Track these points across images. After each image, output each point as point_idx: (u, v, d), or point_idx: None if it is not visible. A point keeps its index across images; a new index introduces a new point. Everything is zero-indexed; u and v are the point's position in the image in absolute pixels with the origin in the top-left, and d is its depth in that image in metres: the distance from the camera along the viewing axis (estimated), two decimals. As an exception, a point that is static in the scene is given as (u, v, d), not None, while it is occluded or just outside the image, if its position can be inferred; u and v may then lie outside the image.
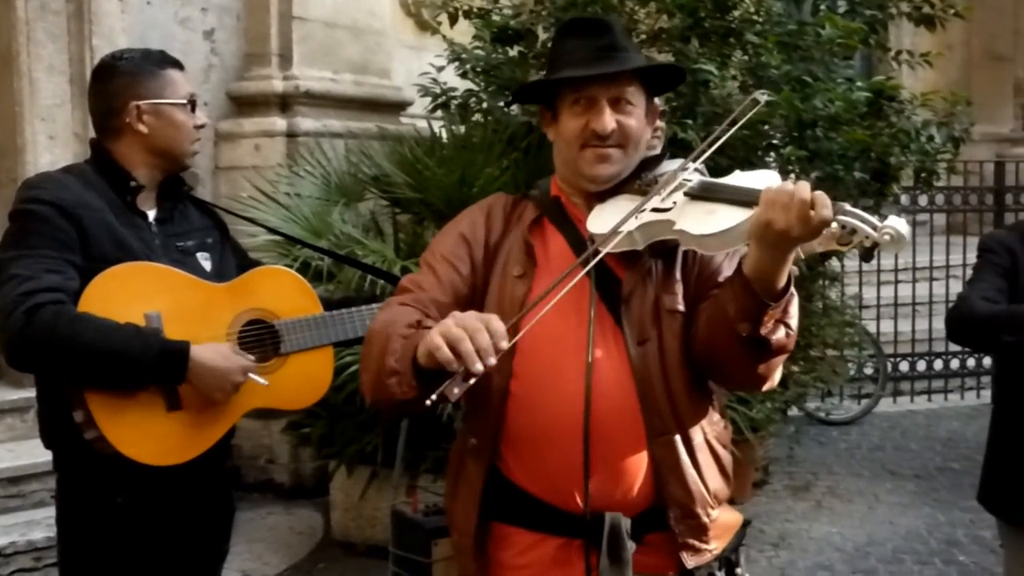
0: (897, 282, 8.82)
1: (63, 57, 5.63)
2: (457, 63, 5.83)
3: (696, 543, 2.18)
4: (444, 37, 5.92)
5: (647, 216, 2.15)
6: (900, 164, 5.56)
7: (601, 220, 2.22)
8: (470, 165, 5.13)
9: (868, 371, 8.33)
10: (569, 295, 2.07)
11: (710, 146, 2.21)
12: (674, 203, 2.16)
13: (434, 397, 1.84)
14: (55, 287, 2.44)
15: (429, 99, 5.91)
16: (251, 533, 5.49)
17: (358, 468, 4.97)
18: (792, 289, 2.04)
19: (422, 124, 6.05)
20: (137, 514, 2.61)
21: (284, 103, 6.48)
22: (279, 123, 6.41)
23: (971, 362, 8.84)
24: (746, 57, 5.65)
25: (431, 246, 2.33)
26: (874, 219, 1.92)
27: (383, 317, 2.13)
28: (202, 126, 2.76)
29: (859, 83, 5.56)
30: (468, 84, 5.91)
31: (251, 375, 2.62)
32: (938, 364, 8.89)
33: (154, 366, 2.47)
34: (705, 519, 2.18)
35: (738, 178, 2.21)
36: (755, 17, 5.59)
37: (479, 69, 5.82)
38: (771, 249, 1.97)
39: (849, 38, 5.60)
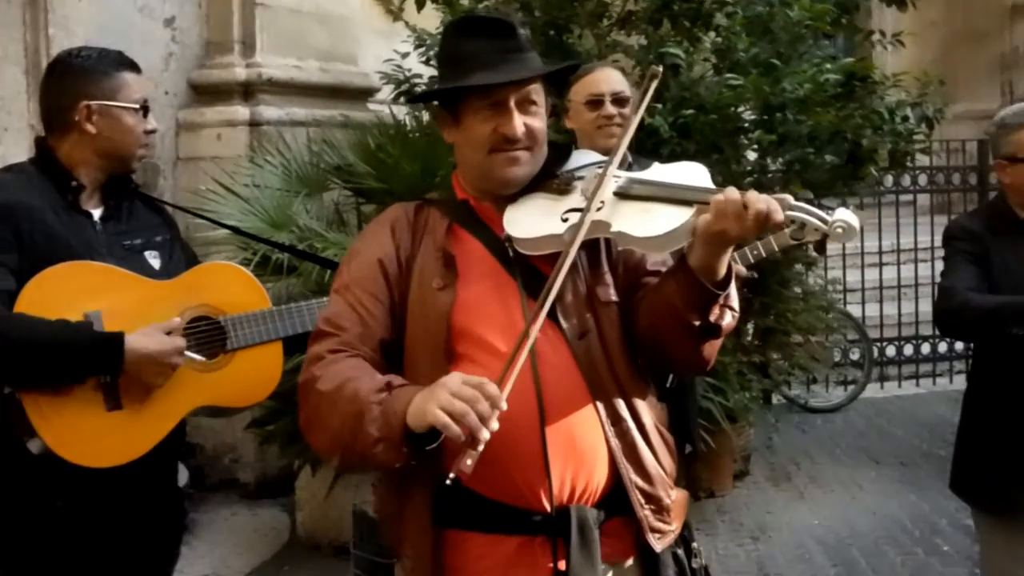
0: (882, 264, 8.84)
1: (18, 47, 5.58)
2: (422, 49, 5.92)
3: (662, 526, 2.23)
4: (407, 23, 5.97)
5: (575, 218, 2.18)
6: (873, 146, 5.57)
7: (519, 221, 2.23)
8: (433, 154, 5.10)
9: (854, 356, 8.33)
10: (495, 298, 2.16)
11: (627, 140, 2.26)
12: (602, 203, 2.18)
13: (452, 476, 1.91)
14: None
15: (394, 85, 6.03)
16: (214, 534, 5.44)
17: (323, 467, 4.93)
18: (733, 273, 2.13)
19: (393, 111, 6.11)
20: (78, 518, 2.59)
21: (247, 91, 6.44)
22: (242, 112, 6.37)
23: (959, 345, 8.81)
24: (719, 39, 5.71)
25: (342, 275, 2.30)
26: (823, 213, 1.99)
27: (331, 375, 2.12)
28: (153, 131, 2.77)
29: (828, 65, 5.57)
30: (433, 71, 5.87)
31: (187, 353, 2.63)
32: (925, 348, 8.90)
33: (88, 356, 2.48)
34: (667, 500, 2.24)
35: (663, 172, 2.25)
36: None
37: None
38: (718, 248, 2.06)
39: (818, 20, 5.64)
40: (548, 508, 2.12)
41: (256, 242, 4.49)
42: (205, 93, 6.52)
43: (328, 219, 5.41)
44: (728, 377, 5.55)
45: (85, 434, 2.52)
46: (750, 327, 6.04)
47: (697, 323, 2.12)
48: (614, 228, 2.16)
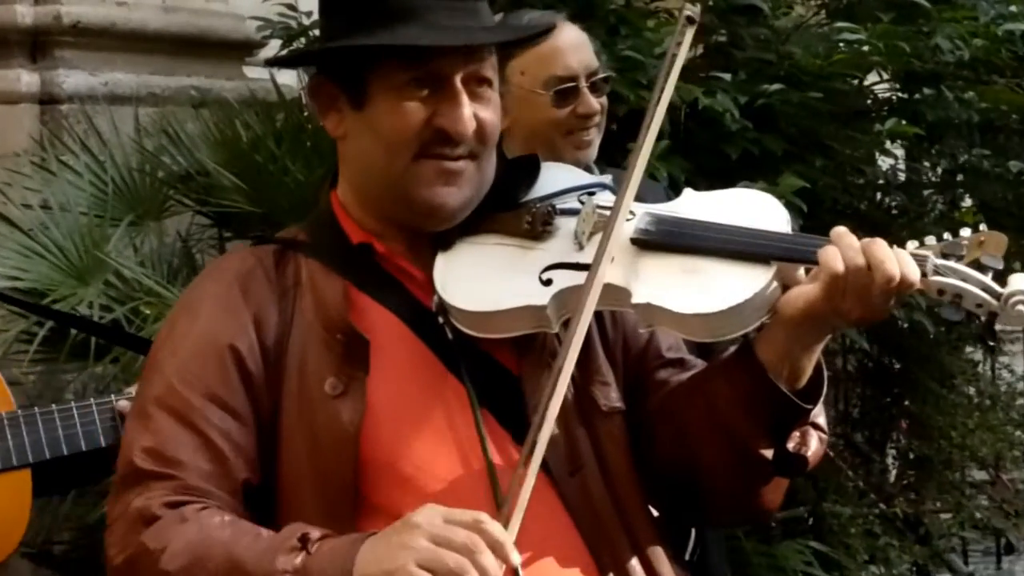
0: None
1: None
2: None
3: None
4: None
5: (574, 279, 2.27)
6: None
7: (461, 281, 2.33)
8: None
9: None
10: (424, 408, 2.30)
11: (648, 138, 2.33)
12: (611, 257, 2.26)
13: None
14: None
15: (281, 39, 6.02)
16: None
17: None
18: (824, 375, 2.29)
19: (284, 80, 6.10)
20: None
21: (36, 44, 6.20)
22: (26, 79, 6.10)
23: None
24: None
25: (164, 372, 2.34)
26: (989, 281, 2.15)
27: (181, 543, 2.13)
28: None
29: (1013, 7, 5.76)
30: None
31: None
32: None
33: None
34: None
35: (705, 206, 2.38)
36: None
37: None
38: (813, 335, 2.22)
39: None
40: None
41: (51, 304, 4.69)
42: None
43: (171, 263, 5.44)
44: (850, 539, 5.51)
45: None
46: (890, 454, 6.13)
47: (765, 452, 2.27)
48: (637, 298, 2.24)
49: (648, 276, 2.25)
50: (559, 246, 2.33)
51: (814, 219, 5.24)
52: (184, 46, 6.62)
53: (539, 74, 3.66)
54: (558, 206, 2.38)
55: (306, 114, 5.69)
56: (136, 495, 2.21)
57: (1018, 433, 6.46)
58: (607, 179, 2.53)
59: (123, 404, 2.94)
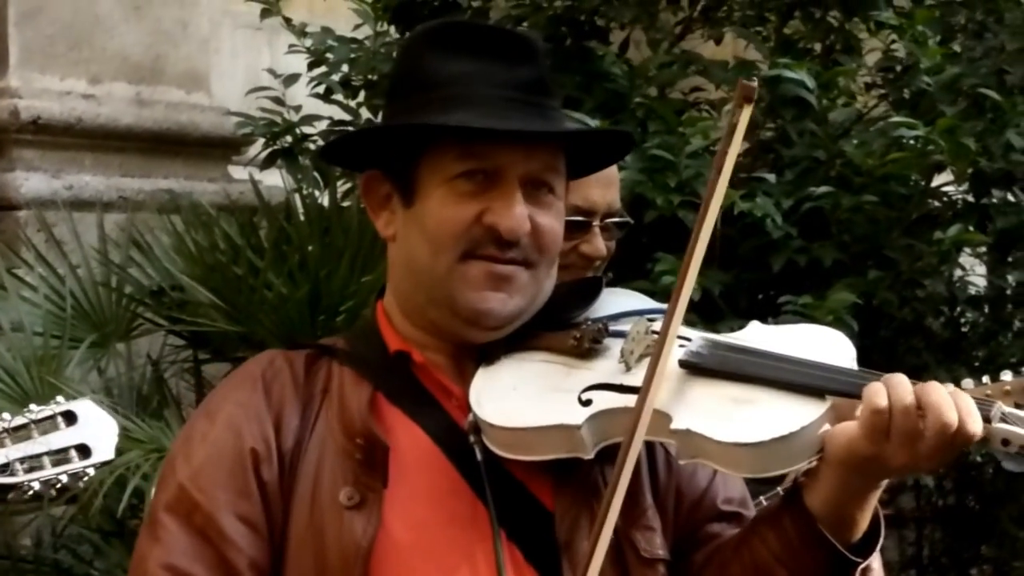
0: None
1: None
2: (319, 68, 6.10)
3: None
4: (288, 21, 6.13)
5: (615, 401, 2.31)
6: None
7: (498, 397, 2.38)
8: (332, 271, 5.21)
9: None
10: (445, 533, 2.34)
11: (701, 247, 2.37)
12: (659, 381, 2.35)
13: None
14: None
15: (265, 138, 6.14)
16: None
17: None
18: (882, 525, 2.32)
19: (270, 182, 6.16)
20: None
21: None
22: None
23: None
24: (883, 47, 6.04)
25: (179, 478, 2.37)
26: None
27: None
28: None
29: None
30: (340, 110, 6.19)
31: None
32: None
33: None
34: None
35: (770, 337, 2.44)
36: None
37: (357, 81, 6.04)
38: (865, 482, 2.24)
39: None
40: None
41: None
42: None
43: (139, 391, 5.46)
44: None
45: None
46: None
47: None
48: (677, 424, 2.26)
49: (693, 402, 2.29)
50: (605, 367, 2.37)
51: (871, 338, 5.19)
52: (159, 144, 6.66)
53: None
54: (610, 327, 2.42)
55: (293, 221, 5.72)
56: None
57: None
58: (647, 307, 2.55)
59: None
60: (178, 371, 5.61)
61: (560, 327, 2.44)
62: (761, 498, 3.07)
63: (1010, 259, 5.81)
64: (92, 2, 6.49)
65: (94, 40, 6.49)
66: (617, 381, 2.34)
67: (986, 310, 6.18)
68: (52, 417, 3.06)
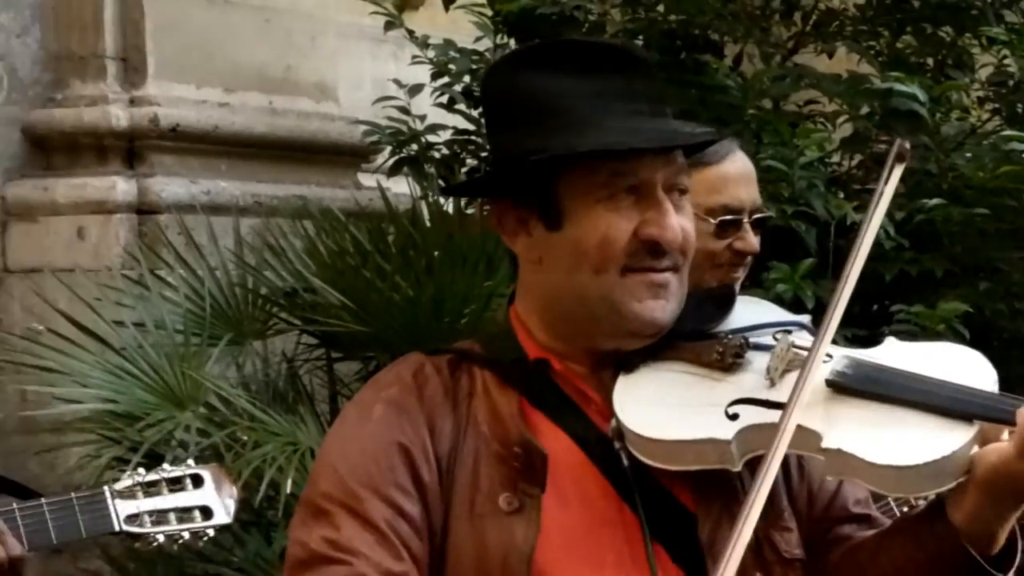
0: None
1: None
2: (442, 79, 6.21)
3: None
4: (411, 34, 6.22)
5: (762, 416, 2.33)
6: None
7: (641, 407, 2.39)
8: (456, 275, 5.25)
9: None
10: (594, 536, 2.35)
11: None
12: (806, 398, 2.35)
13: None
14: None
15: (391, 146, 6.28)
16: None
17: None
18: (1020, 544, 2.33)
19: (397, 189, 6.26)
20: None
21: (132, 150, 6.36)
22: (122, 187, 6.24)
23: None
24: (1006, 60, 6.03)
25: (339, 472, 2.39)
26: None
27: None
28: None
29: None
30: (462, 119, 6.29)
31: None
32: None
33: None
34: None
35: (910, 356, 2.44)
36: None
37: (479, 91, 5.93)
38: (1009, 503, 2.25)
39: None
40: None
41: (138, 426, 4.88)
42: (54, 151, 6.49)
43: (275, 387, 5.55)
44: None
45: None
46: None
47: None
48: (828, 443, 2.28)
49: (842, 421, 2.30)
50: (749, 381, 2.38)
51: (981, 349, 5.00)
52: (291, 152, 6.78)
53: (706, 200, 3.52)
54: (751, 340, 2.44)
55: (418, 227, 5.73)
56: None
57: None
58: (805, 319, 2.57)
59: None
60: (311, 369, 5.64)
61: (698, 338, 2.47)
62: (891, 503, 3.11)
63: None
64: (224, 15, 6.62)
65: (228, 51, 6.61)
66: (763, 396, 2.36)
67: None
68: (182, 478, 3.28)
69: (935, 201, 5.25)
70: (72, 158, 6.37)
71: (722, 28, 5.91)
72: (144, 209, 6.24)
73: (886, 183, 2.43)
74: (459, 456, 2.39)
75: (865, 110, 5.64)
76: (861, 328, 4.51)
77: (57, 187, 6.31)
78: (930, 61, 5.90)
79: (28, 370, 5.63)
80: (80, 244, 6.22)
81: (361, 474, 2.36)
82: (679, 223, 2.39)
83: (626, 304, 2.37)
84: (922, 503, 2.54)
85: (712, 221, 3.54)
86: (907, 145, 2.38)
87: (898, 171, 2.44)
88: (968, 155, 5.58)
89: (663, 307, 2.39)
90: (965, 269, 5.48)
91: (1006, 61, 5.86)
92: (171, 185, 6.27)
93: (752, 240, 3.62)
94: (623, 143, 2.35)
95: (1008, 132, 5.49)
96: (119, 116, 6.27)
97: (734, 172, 3.63)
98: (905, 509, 2.88)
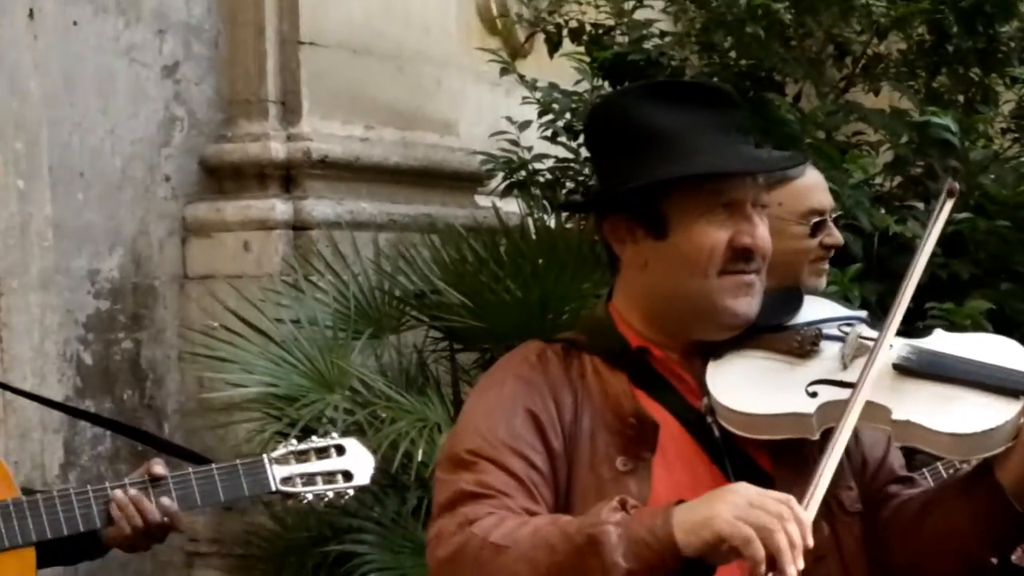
0: None
1: None
2: (548, 116, 6.17)
3: None
4: (523, 78, 6.23)
5: (836, 394, 2.38)
6: None
7: (730, 386, 2.44)
8: (558, 279, 5.25)
9: None
10: (702, 490, 2.28)
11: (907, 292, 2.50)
12: (875, 378, 2.40)
13: None
14: None
15: (504, 172, 6.27)
16: None
17: None
18: None
19: (508, 208, 6.25)
20: None
21: (289, 177, 6.35)
22: (280, 208, 6.23)
23: None
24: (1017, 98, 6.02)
25: (481, 431, 2.43)
26: None
27: (506, 528, 2.25)
28: None
29: None
30: (563, 149, 6.23)
31: None
32: None
33: None
34: None
35: (957, 343, 2.49)
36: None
37: (578, 126, 5.98)
38: None
39: None
40: None
41: (297, 405, 4.93)
42: (225, 179, 6.47)
43: (405, 374, 5.55)
44: None
45: None
46: None
47: (993, 561, 2.38)
48: (898, 415, 2.34)
49: (907, 398, 2.36)
50: (824, 365, 2.44)
51: None
52: (420, 178, 6.74)
53: (796, 207, 3.58)
54: (823, 330, 2.49)
55: (523, 239, 5.73)
56: (462, 509, 2.33)
57: None
58: (863, 314, 2.61)
59: (117, 494, 3.20)
60: (437, 358, 5.65)
61: (777, 330, 2.51)
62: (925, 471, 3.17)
63: None
64: (365, 63, 6.61)
65: (368, 94, 6.61)
66: (837, 378, 2.41)
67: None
68: (327, 448, 3.34)
69: (964, 215, 5.20)
70: (239, 184, 6.41)
71: (784, 70, 5.89)
72: (298, 226, 6.26)
73: (939, 212, 2.53)
74: (579, 426, 2.42)
75: (904, 139, 5.59)
76: (902, 323, 4.53)
77: (227, 208, 6.34)
78: (961, 98, 5.86)
79: (204, 360, 5.70)
80: (245, 255, 6.25)
81: (500, 433, 2.39)
82: (764, 233, 2.45)
83: (721, 301, 2.43)
84: (966, 467, 2.61)
85: (806, 224, 3.58)
86: (956, 185, 2.48)
87: (949, 203, 2.54)
88: (992, 176, 5.52)
89: (750, 303, 2.45)
90: (988, 272, 5.40)
91: None
92: (320, 206, 6.29)
93: (838, 234, 3.68)
94: (724, 167, 2.42)
95: (1027, 157, 5.49)
96: (278, 150, 6.32)
97: (813, 181, 3.67)
98: (952, 470, 2.99)
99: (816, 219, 3.60)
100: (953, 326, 4.55)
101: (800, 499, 2.28)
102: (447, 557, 2.31)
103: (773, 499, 2.13)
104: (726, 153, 2.47)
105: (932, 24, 5.74)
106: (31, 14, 5.82)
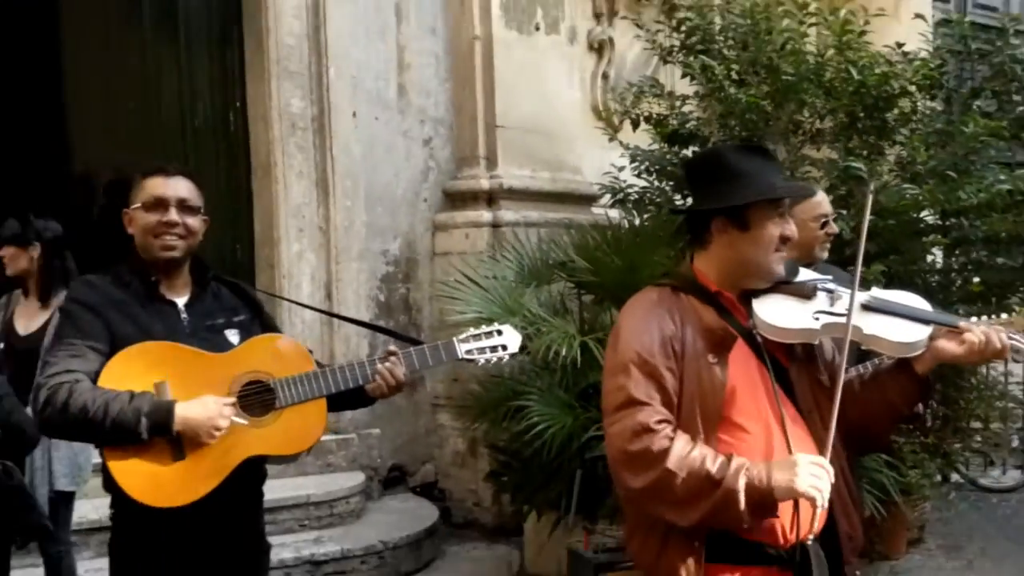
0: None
1: (309, 165, 6.42)
2: (635, 163, 6.27)
3: (853, 560, 2.52)
4: (621, 142, 6.33)
5: (831, 319, 2.45)
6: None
7: (769, 312, 2.47)
8: (640, 253, 5.33)
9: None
10: (747, 376, 2.41)
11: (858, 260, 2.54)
12: (846, 311, 2.46)
13: (812, 537, 2.30)
14: (73, 368, 2.73)
15: (610, 194, 6.40)
16: (457, 565, 6.18)
17: (547, 512, 5.30)
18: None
19: (612, 214, 6.36)
20: (177, 548, 2.86)
21: (490, 198, 6.98)
22: (485, 215, 6.92)
23: None
24: (901, 152, 5.89)
25: (637, 348, 2.40)
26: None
27: (675, 456, 2.28)
28: (169, 223, 2.88)
29: (1002, 176, 5.72)
30: (644, 182, 6.35)
31: (233, 418, 2.80)
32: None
33: (145, 422, 2.68)
34: (858, 543, 2.55)
35: (895, 296, 2.56)
36: (911, 116, 5.88)
37: (653, 169, 6.23)
38: (941, 362, 2.47)
39: (995, 135, 5.80)
40: (784, 543, 2.37)
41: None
42: (456, 200, 7.14)
43: (553, 307, 5.69)
44: (903, 455, 5.66)
45: (155, 480, 2.73)
46: (928, 414, 5.89)
47: (910, 413, 2.52)
48: (867, 332, 2.44)
49: (871, 323, 2.41)
50: (821, 304, 2.44)
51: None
52: (561, 197, 7.22)
53: (812, 214, 3.70)
54: (819, 285, 2.50)
55: (620, 231, 5.77)
56: (632, 414, 2.32)
57: (998, 403, 6.40)
58: (830, 278, 2.58)
59: (377, 364, 3.01)
60: (570, 298, 5.64)
61: (790, 283, 2.47)
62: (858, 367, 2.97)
63: None
64: (532, 135, 7.07)
65: (534, 151, 7.12)
66: (830, 310, 2.42)
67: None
68: (492, 331, 3.17)
69: (870, 217, 4.15)
70: (463, 202, 7.06)
71: (766, 138, 5.71)
72: (495, 224, 6.87)
73: (867, 205, 2.65)
74: (685, 335, 2.39)
75: (835, 175, 5.54)
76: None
77: (456, 216, 7.03)
78: (866, 152, 5.80)
79: (444, 299, 6.00)
80: (466, 241, 6.86)
81: (648, 348, 2.37)
82: (794, 228, 2.45)
83: (771, 267, 2.43)
84: (888, 361, 2.61)
85: (817, 222, 3.73)
86: (873, 191, 2.55)
87: (869, 201, 2.68)
88: (882, 197, 5.42)
89: (782, 268, 2.45)
90: (883, 250, 5.48)
91: (902, 152, 5.87)
92: (508, 214, 6.90)
93: (835, 227, 3.81)
94: (783, 193, 2.40)
95: (907, 186, 5.52)
96: (484, 183, 6.98)
97: (821, 198, 3.79)
98: (876, 361, 2.85)
99: (823, 219, 3.76)
100: (864, 282, 4.13)
101: (812, 384, 2.42)
102: (637, 452, 2.27)
103: (815, 463, 2.19)
104: (780, 184, 2.42)
105: (849, 112, 5.68)
106: (354, 115, 6.64)
